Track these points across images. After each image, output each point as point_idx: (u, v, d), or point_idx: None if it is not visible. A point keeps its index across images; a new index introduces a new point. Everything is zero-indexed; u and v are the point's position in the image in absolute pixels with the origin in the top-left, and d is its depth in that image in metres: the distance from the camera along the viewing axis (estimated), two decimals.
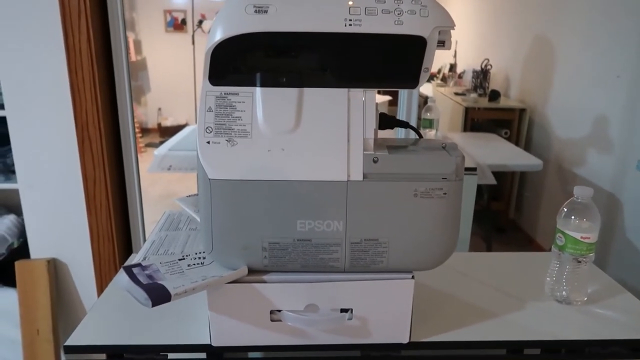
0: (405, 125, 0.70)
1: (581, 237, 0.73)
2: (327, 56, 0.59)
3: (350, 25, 0.56)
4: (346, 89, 0.59)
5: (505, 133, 2.79)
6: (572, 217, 0.74)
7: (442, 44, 0.59)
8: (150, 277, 0.59)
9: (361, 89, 0.60)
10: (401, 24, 0.57)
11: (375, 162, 0.59)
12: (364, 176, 0.59)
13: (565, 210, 0.75)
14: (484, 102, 2.97)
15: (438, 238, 0.63)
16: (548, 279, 0.79)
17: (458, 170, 0.61)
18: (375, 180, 0.60)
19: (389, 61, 0.59)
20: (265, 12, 0.56)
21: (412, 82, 0.60)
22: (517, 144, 2.80)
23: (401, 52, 0.58)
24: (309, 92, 0.59)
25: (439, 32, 0.58)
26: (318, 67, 0.59)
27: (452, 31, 0.59)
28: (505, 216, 2.99)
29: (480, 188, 2.63)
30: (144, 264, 0.62)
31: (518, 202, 2.97)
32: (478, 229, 2.67)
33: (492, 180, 1.88)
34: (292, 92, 0.59)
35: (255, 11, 0.56)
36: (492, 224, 2.71)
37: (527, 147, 2.83)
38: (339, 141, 0.59)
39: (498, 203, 2.92)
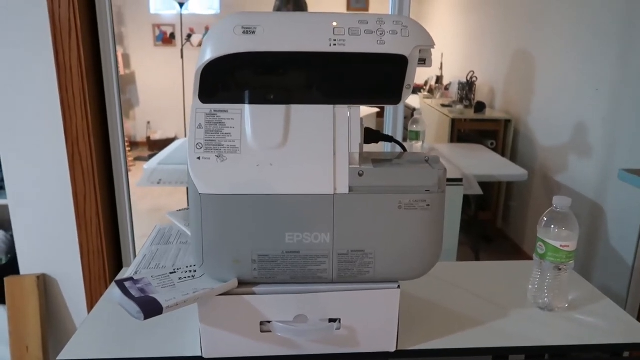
0: (389, 139, 0.73)
1: (561, 246, 0.75)
2: (313, 74, 0.61)
3: (335, 45, 0.59)
4: (332, 106, 0.62)
5: (492, 144, 2.84)
6: (552, 226, 0.76)
7: (423, 61, 0.62)
8: (142, 290, 0.60)
9: (346, 105, 0.62)
10: (383, 43, 0.59)
11: (360, 175, 0.62)
12: (350, 189, 0.61)
13: (545, 219, 0.77)
14: (470, 114, 3.02)
15: (422, 248, 0.65)
16: (530, 286, 0.82)
17: (440, 183, 0.63)
18: (360, 193, 0.62)
19: (372, 79, 0.61)
20: (253, 32, 0.58)
21: (395, 98, 0.63)
22: (503, 154, 2.85)
23: (384, 70, 0.61)
24: (296, 108, 0.61)
25: (420, 51, 0.61)
26: (304, 85, 0.61)
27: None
28: (493, 226, 3.03)
29: (467, 198, 2.66)
30: (135, 277, 0.63)
31: (505, 212, 3.01)
32: (466, 238, 2.70)
33: (479, 191, 1.91)
34: (280, 108, 0.61)
35: (244, 32, 0.58)
36: (479, 234, 2.75)
37: (513, 158, 2.88)
38: (326, 156, 0.61)
39: (485, 213, 2.96)
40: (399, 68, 0.60)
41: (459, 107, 3.14)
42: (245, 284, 0.64)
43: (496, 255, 2.75)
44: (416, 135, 1.92)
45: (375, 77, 0.61)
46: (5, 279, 1.38)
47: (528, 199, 2.76)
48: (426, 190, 0.63)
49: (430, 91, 4.16)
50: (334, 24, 0.59)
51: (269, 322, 0.65)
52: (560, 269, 0.77)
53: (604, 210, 2.01)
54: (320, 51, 0.59)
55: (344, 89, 0.62)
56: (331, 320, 0.66)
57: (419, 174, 0.63)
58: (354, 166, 0.61)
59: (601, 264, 2.00)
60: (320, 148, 0.61)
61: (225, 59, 0.59)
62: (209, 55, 0.59)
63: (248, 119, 0.61)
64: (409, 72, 0.61)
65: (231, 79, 0.60)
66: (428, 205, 0.63)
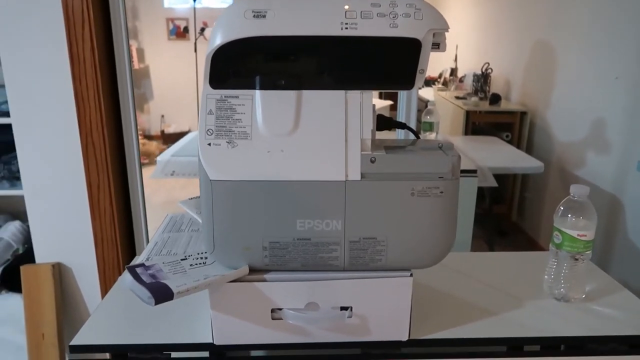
0: (402, 126, 0.72)
1: (578, 235, 0.74)
2: (325, 59, 0.60)
3: (346, 28, 0.58)
4: (343, 91, 0.61)
5: (507, 136, 2.80)
6: (569, 215, 0.75)
7: (437, 46, 0.61)
8: (153, 276, 0.60)
9: (358, 91, 0.61)
10: (396, 27, 0.58)
11: (372, 162, 0.61)
12: (362, 176, 0.60)
13: (562, 208, 0.76)
14: (485, 106, 2.98)
15: (435, 236, 0.64)
16: (546, 277, 0.80)
17: (454, 169, 0.62)
18: (372, 180, 0.61)
19: (384, 63, 0.60)
20: (264, 17, 0.58)
21: (408, 83, 0.62)
22: (518, 146, 2.81)
23: (396, 54, 0.60)
24: (307, 94, 0.61)
25: (434, 35, 0.59)
26: (316, 70, 0.60)
27: (452, 35, 0.60)
28: (508, 219, 2.99)
29: (482, 191, 2.63)
30: (147, 264, 0.63)
31: (520, 205, 2.97)
32: (480, 232, 2.68)
33: (493, 183, 1.89)
34: (291, 94, 0.60)
35: (254, 16, 0.58)
36: (494, 227, 2.72)
37: (529, 150, 2.84)
38: (337, 142, 0.60)
39: (500, 206, 2.93)
40: (412, 52, 0.59)
41: (474, 99, 3.10)
42: (256, 271, 0.64)
43: (511, 249, 2.72)
44: (430, 127, 1.90)
45: (387, 62, 0.60)
46: (22, 268, 1.40)
47: (544, 192, 2.71)
48: (439, 177, 0.61)
49: (445, 83, 4.12)
50: (346, 7, 0.58)
51: (280, 309, 0.64)
52: (577, 259, 0.76)
53: (622, 204, 1.97)
54: (332, 35, 0.58)
55: (356, 74, 0.61)
56: (343, 308, 0.65)
57: (432, 160, 0.62)
58: (366, 152, 0.61)
59: (619, 257, 1.96)
60: (331, 134, 0.60)
61: (236, 44, 0.58)
62: (219, 40, 0.58)
63: (259, 104, 0.60)
64: (423, 56, 0.60)
65: (242, 64, 0.60)
66: (441, 192, 0.62)
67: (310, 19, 0.58)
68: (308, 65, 0.60)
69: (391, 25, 0.58)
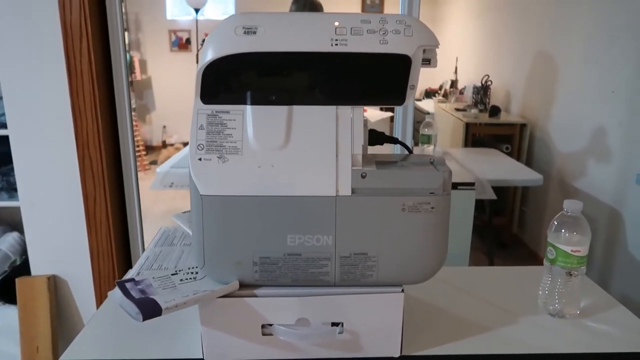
0: (394, 141, 0.72)
1: (571, 251, 0.73)
2: (315, 75, 0.60)
3: (336, 44, 0.58)
4: (334, 106, 0.61)
5: (507, 148, 2.80)
6: (563, 231, 0.74)
7: (428, 61, 0.61)
8: (142, 291, 0.60)
9: (349, 106, 0.61)
10: (386, 43, 0.58)
11: (363, 177, 0.61)
12: (353, 191, 0.60)
13: (556, 223, 0.75)
14: (485, 118, 2.99)
15: (427, 252, 0.63)
16: (541, 292, 0.80)
17: (445, 185, 0.62)
18: (363, 195, 0.61)
19: (375, 79, 0.61)
20: (254, 33, 0.58)
21: (399, 99, 0.62)
22: (518, 159, 2.81)
23: (387, 70, 0.60)
24: (298, 109, 0.61)
25: (424, 51, 0.59)
26: (306, 86, 0.61)
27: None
28: (508, 231, 2.98)
29: (482, 203, 2.63)
30: (137, 278, 0.63)
31: (521, 217, 2.96)
32: (481, 244, 2.67)
33: (492, 196, 1.89)
34: (282, 109, 0.61)
35: (245, 32, 0.58)
36: (494, 239, 2.71)
37: (529, 162, 2.84)
38: (328, 157, 0.60)
39: (500, 218, 2.92)
40: (403, 68, 0.59)
41: (474, 111, 3.11)
42: (246, 286, 0.63)
43: (511, 261, 2.71)
44: (428, 139, 1.90)
45: (378, 78, 0.60)
46: (17, 280, 1.40)
47: (544, 204, 2.71)
48: (430, 193, 0.61)
49: (445, 95, 4.13)
50: (336, 23, 0.58)
51: (271, 325, 0.64)
52: (571, 275, 0.75)
53: (622, 216, 1.96)
54: (322, 51, 0.58)
55: (347, 90, 0.61)
56: (334, 324, 0.65)
57: (423, 175, 0.62)
58: (356, 168, 0.61)
59: (620, 271, 1.95)
60: (322, 149, 0.60)
61: (226, 60, 0.58)
62: (210, 55, 0.58)
63: (250, 119, 0.60)
64: (413, 72, 0.60)
65: (232, 80, 0.60)
66: (432, 207, 0.61)
67: (301, 35, 0.58)
68: (299, 80, 0.61)
69: (381, 42, 0.58)
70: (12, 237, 1.70)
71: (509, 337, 0.73)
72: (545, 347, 0.71)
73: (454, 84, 4.05)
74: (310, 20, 0.59)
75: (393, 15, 0.59)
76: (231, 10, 5.28)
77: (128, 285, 0.61)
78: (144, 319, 0.54)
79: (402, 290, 0.64)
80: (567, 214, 0.75)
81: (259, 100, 0.60)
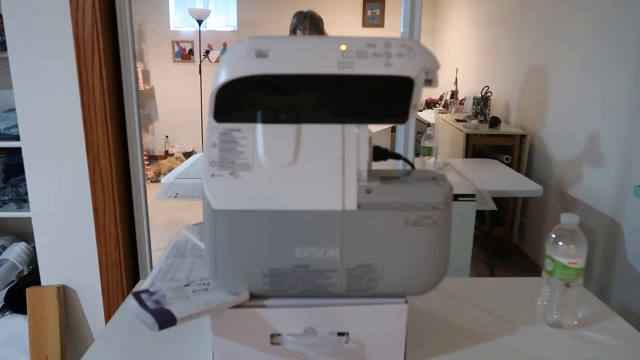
0: (397, 157, 0.74)
1: (569, 263, 0.76)
2: (323, 95, 0.63)
3: (343, 67, 0.61)
4: (341, 125, 0.64)
5: (507, 159, 2.83)
6: (560, 244, 0.77)
7: (430, 82, 0.64)
8: (157, 302, 0.62)
9: (355, 125, 0.64)
10: (390, 65, 0.61)
11: (368, 192, 0.64)
12: (358, 206, 0.63)
13: (553, 236, 0.78)
14: (485, 129, 3.02)
15: (429, 264, 0.66)
16: (539, 303, 0.82)
17: (447, 200, 0.65)
18: (368, 210, 0.64)
19: (379, 99, 0.64)
20: (265, 56, 0.61)
21: (402, 117, 0.65)
22: (518, 169, 2.84)
23: (391, 91, 0.63)
24: (306, 128, 0.64)
25: (426, 73, 0.63)
26: (314, 105, 0.64)
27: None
28: (509, 241, 3.00)
29: (482, 214, 2.65)
30: (151, 290, 0.66)
31: (521, 227, 2.98)
32: (481, 254, 2.69)
33: (492, 206, 1.91)
34: (291, 128, 0.64)
35: (256, 55, 0.61)
36: (495, 249, 2.73)
37: (529, 173, 2.87)
38: (335, 173, 0.63)
39: (501, 228, 2.94)
40: (406, 89, 0.63)
41: (474, 122, 3.14)
42: (256, 297, 0.66)
43: (512, 271, 2.73)
44: (429, 151, 1.93)
45: (382, 98, 0.64)
46: (27, 290, 1.42)
47: (544, 214, 2.73)
48: (432, 207, 0.64)
49: (445, 106, 4.17)
50: (343, 47, 0.61)
51: (279, 334, 0.66)
52: (568, 286, 0.78)
53: (621, 227, 1.99)
54: (330, 73, 0.61)
55: (353, 109, 0.64)
56: (340, 334, 0.67)
57: (425, 191, 0.65)
58: (362, 183, 0.63)
59: (619, 282, 1.97)
60: (329, 166, 0.63)
61: (239, 81, 0.61)
62: (223, 77, 0.62)
63: (260, 137, 0.63)
64: (415, 92, 0.63)
65: (244, 100, 0.63)
66: (434, 221, 0.64)
67: (309, 58, 0.61)
68: (307, 100, 0.64)
69: (385, 65, 0.61)
70: (20, 247, 1.72)
71: (508, 347, 0.75)
72: (543, 357, 0.73)
73: (454, 94, 4.09)
74: (318, 44, 0.62)
75: (397, 39, 0.62)
76: (234, 22, 5.34)
77: (143, 296, 0.64)
78: (160, 328, 0.57)
79: (406, 302, 0.67)
80: (564, 227, 0.77)
81: (269, 119, 0.64)
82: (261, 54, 0.61)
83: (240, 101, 0.63)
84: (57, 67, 1.26)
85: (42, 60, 1.26)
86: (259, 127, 0.63)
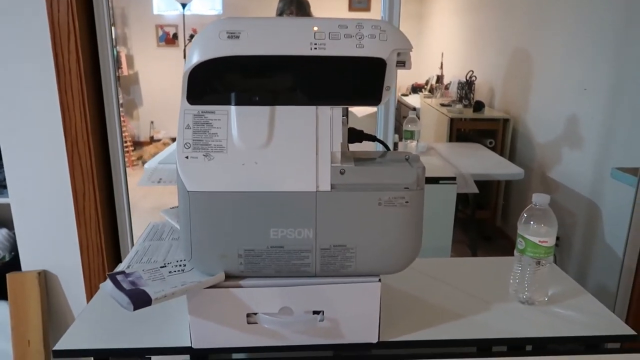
0: (372, 138, 0.75)
1: (539, 241, 0.78)
2: (296, 77, 0.64)
3: (315, 48, 0.62)
4: (314, 107, 0.64)
5: (490, 143, 2.86)
6: (531, 223, 0.79)
7: (403, 64, 0.65)
8: (132, 283, 0.63)
9: (328, 106, 0.65)
10: (362, 47, 0.62)
11: (342, 173, 0.64)
12: (332, 187, 0.64)
13: (525, 216, 0.80)
14: (469, 113, 3.04)
15: (402, 243, 0.67)
16: (511, 281, 0.84)
17: (419, 180, 0.66)
18: (342, 191, 0.64)
19: (352, 81, 0.64)
20: (238, 37, 0.61)
21: (375, 99, 0.65)
22: (501, 153, 2.86)
23: (363, 73, 0.63)
24: (280, 109, 0.64)
25: (398, 54, 0.63)
26: (288, 87, 0.64)
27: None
28: (492, 224, 3.04)
29: (466, 197, 2.68)
30: (127, 271, 0.66)
31: (504, 210, 3.02)
32: (465, 237, 2.72)
33: (474, 189, 1.93)
34: (265, 110, 0.64)
35: (229, 37, 0.61)
36: (478, 232, 2.76)
37: (512, 157, 2.90)
38: (308, 154, 0.64)
39: (484, 212, 2.98)
40: (378, 70, 0.63)
41: (458, 106, 3.15)
42: (232, 278, 0.67)
43: (494, 253, 2.77)
44: (411, 135, 1.94)
45: (355, 80, 0.64)
46: (7, 275, 1.41)
47: (527, 197, 2.77)
48: (405, 188, 0.65)
49: (431, 91, 4.18)
50: (315, 28, 0.61)
51: (255, 314, 0.68)
52: (539, 264, 0.80)
53: (599, 209, 2.03)
54: (302, 55, 0.61)
55: (326, 91, 0.64)
56: (315, 313, 0.68)
57: (398, 172, 0.66)
58: (335, 164, 0.64)
59: (598, 261, 2.02)
60: (303, 147, 0.64)
61: (211, 63, 0.61)
62: (195, 58, 0.61)
63: (234, 119, 0.64)
64: (388, 74, 0.64)
65: (217, 82, 0.63)
66: (407, 202, 0.65)
67: (281, 40, 0.61)
68: (280, 82, 0.64)
69: (357, 46, 0.62)
70: (1, 233, 1.71)
71: (480, 323, 0.77)
72: (514, 331, 0.76)
73: (439, 79, 4.09)
74: (291, 25, 0.63)
75: (369, 21, 0.62)
76: (218, 6, 5.26)
77: (119, 277, 0.64)
78: (135, 308, 0.58)
79: (379, 280, 0.68)
80: (535, 207, 0.79)
81: (243, 101, 0.64)
82: (233, 35, 0.61)
83: (213, 83, 0.63)
84: (33, 51, 1.24)
85: (17, 44, 1.24)
86: (233, 109, 0.64)
